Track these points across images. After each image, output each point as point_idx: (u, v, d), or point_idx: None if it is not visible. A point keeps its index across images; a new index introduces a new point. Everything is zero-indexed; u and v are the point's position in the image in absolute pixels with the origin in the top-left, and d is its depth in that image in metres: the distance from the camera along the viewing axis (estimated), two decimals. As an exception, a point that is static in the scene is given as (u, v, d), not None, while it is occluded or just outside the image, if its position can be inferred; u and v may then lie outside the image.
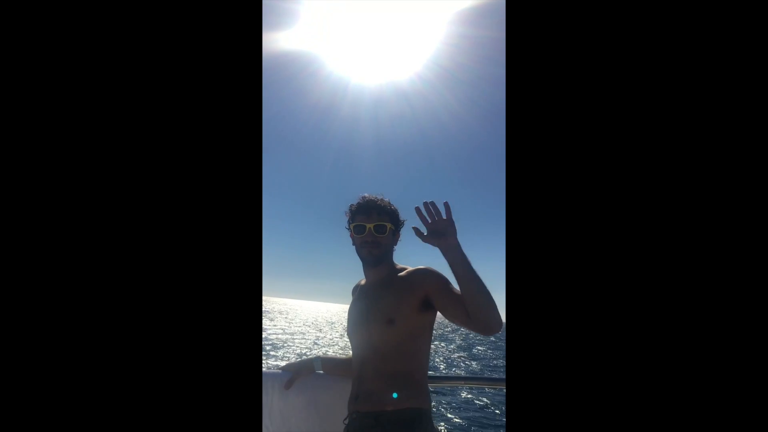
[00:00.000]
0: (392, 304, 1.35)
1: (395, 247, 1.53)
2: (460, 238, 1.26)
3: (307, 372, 1.61)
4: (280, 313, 58.45)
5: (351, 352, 1.49)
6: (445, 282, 1.33)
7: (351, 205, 1.51)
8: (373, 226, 1.43)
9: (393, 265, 1.49)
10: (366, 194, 1.51)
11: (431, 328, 1.41)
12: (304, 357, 1.65)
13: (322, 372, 1.62)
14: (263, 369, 1.62)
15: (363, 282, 1.56)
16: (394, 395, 1.29)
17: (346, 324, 1.54)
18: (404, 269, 1.45)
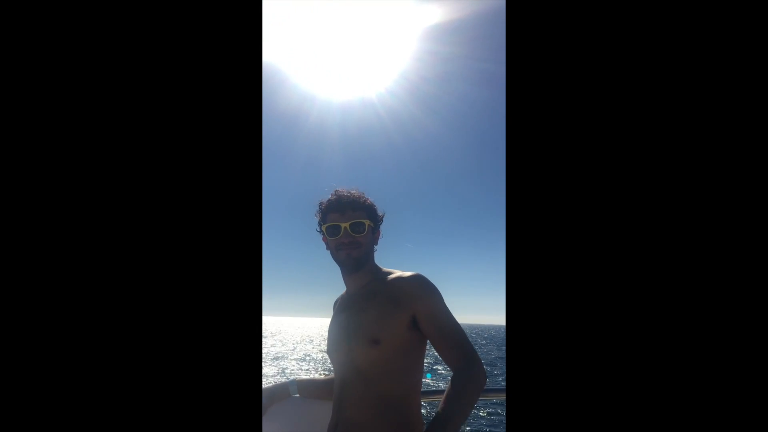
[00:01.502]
0: (377, 321, 1.16)
1: (376, 246, 1.31)
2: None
3: (282, 396, 1.44)
4: (272, 334, 56.77)
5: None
6: (435, 307, 1.15)
7: (321, 203, 1.29)
8: (348, 225, 1.22)
9: (376, 269, 1.29)
10: (337, 188, 1.29)
11: (425, 344, 1.21)
12: (279, 381, 1.49)
13: (298, 396, 1.46)
14: None
15: (344, 293, 1.37)
16: None
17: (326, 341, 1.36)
18: (390, 274, 1.25)
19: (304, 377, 1.50)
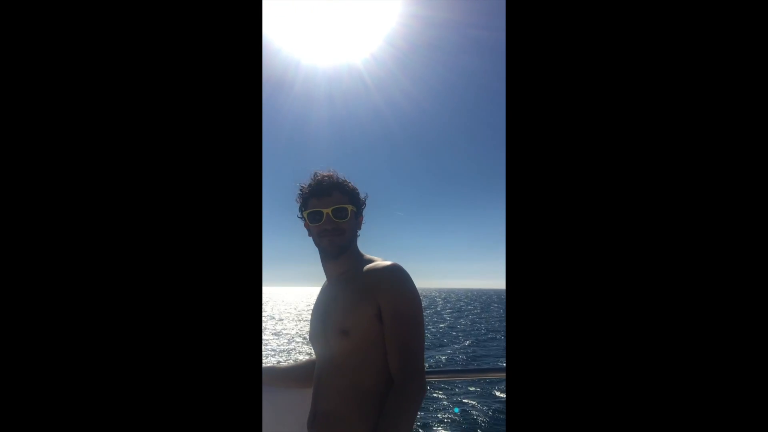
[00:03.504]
0: (347, 313, 1.13)
1: (359, 231, 1.26)
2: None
3: None
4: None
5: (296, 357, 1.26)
6: (397, 304, 1.10)
7: (301, 187, 1.24)
8: (331, 211, 1.18)
9: (357, 256, 1.24)
10: (317, 171, 1.24)
11: None
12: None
13: (269, 386, 1.41)
14: None
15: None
16: None
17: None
18: (371, 262, 1.20)
19: (267, 365, 1.43)
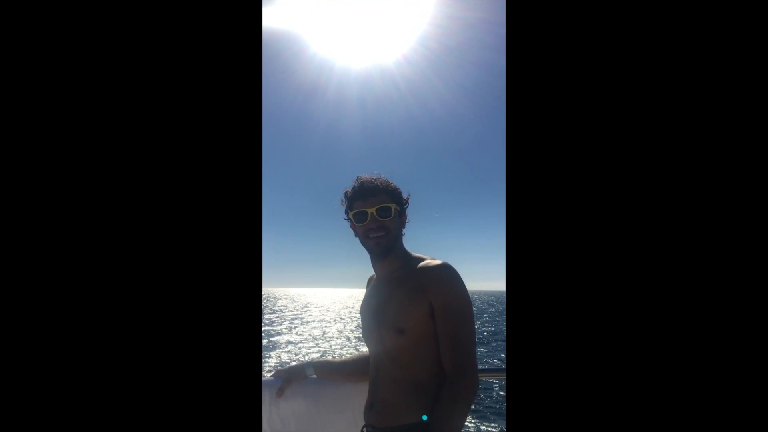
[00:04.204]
0: (401, 311, 1.19)
1: (404, 230, 1.32)
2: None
3: (299, 377, 1.49)
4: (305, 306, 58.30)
5: (344, 352, 1.32)
6: (449, 302, 1.15)
7: (346, 191, 1.31)
8: (375, 210, 1.23)
9: (405, 255, 1.29)
10: (360, 175, 1.29)
11: None
12: (295, 362, 1.54)
13: (315, 377, 1.50)
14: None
15: (374, 276, 1.39)
16: (424, 417, 1.14)
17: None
18: (420, 260, 1.25)
19: (320, 359, 1.55)
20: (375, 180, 1.27)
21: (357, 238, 1.31)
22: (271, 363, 15.11)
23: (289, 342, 20.61)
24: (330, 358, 1.61)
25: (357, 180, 1.29)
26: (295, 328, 27.44)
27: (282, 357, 16.31)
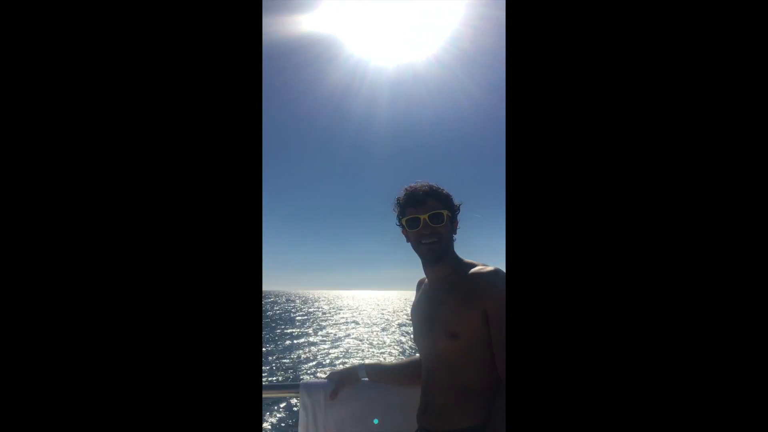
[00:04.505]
0: (454, 316, 1.22)
1: (455, 236, 1.34)
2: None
3: (351, 381, 1.50)
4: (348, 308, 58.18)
5: (392, 356, 1.37)
6: (501, 309, 1.15)
7: (398, 198, 1.34)
8: (427, 217, 1.26)
9: (457, 261, 1.32)
10: (412, 184, 1.33)
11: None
12: (347, 365, 1.57)
13: (367, 380, 1.52)
14: (307, 379, 1.57)
15: (426, 280, 1.41)
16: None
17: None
18: (472, 266, 1.27)
19: (372, 362, 1.58)
20: (427, 186, 1.30)
21: (409, 243, 1.34)
22: (282, 362, 15.72)
23: (310, 343, 21.29)
24: (381, 361, 1.69)
25: (409, 187, 1.32)
26: (320, 330, 28.10)
27: (300, 355, 16.93)
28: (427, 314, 1.30)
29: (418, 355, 1.44)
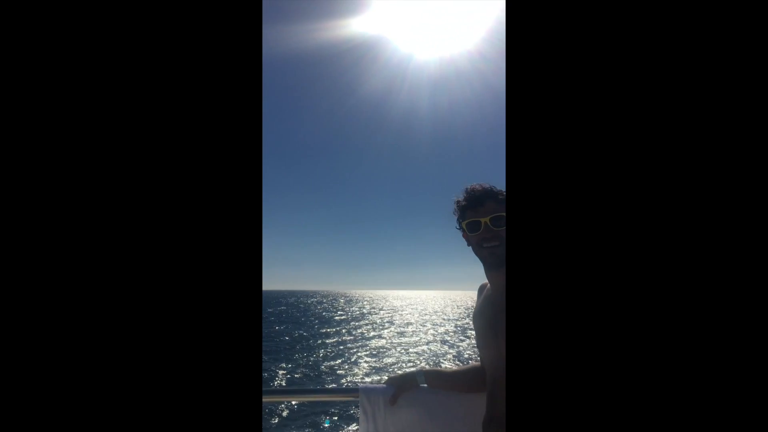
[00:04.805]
0: None
1: None
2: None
3: (410, 386, 1.48)
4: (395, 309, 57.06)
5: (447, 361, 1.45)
6: None
7: (458, 201, 1.32)
8: (489, 220, 1.24)
9: None
10: (471, 185, 1.31)
11: None
12: (406, 371, 1.54)
13: (426, 386, 1.50)
14: (366, 384, 1.56)
15: (488, 285, 1.38)
16: None
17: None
18: None
19: (431, 368, 1.55)
20: (487, 189, 1.27)
21: (470, 247, 1.31)
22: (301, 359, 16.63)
23: (339, 342, 22.04)
24: (441, 367, 1.69)
25: (468, 189, 1.29)
26: (354, 330, 28.81)
27: (322, 354, 17.79)
28: (491, 321, 1.27)
29: (474, 362, 1.44)
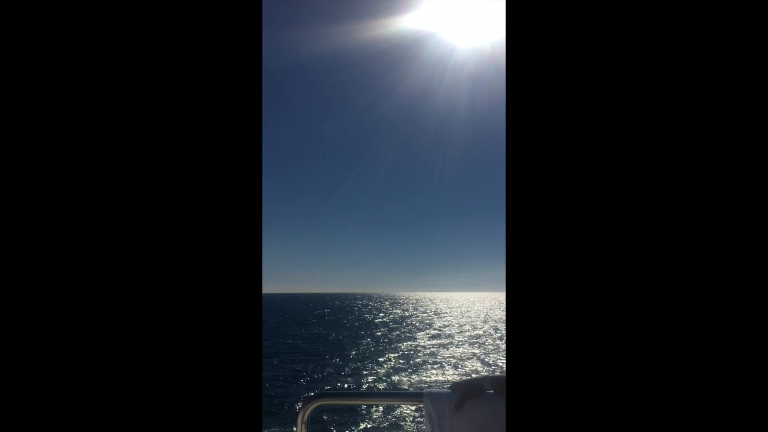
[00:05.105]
0: None
1: None
2: None
3: (475, 392, 1.39)
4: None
5: None
6: None
7: None
8: None
9: None
10: None
11: None
12: (472, 376, 1.52)
13: (492, 392, 1.40)
14: (431, 389, 1.48)
15: None
16: None
17: None
18: None
19: (497, 374, 1.49)
20: None
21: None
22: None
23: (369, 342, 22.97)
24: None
25: None
26: (392, 332, 29.84)
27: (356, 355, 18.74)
28: None
29: None
